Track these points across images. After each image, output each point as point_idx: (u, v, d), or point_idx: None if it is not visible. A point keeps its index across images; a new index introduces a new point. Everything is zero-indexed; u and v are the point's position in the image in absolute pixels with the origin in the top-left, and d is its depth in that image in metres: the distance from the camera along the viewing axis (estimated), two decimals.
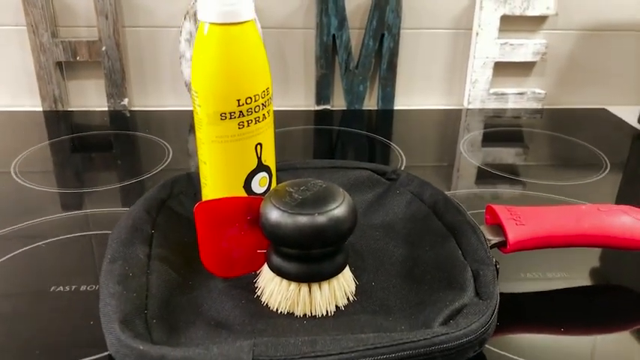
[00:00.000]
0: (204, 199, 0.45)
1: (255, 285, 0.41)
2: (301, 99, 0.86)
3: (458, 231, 0.44)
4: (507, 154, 0.72)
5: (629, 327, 0.42)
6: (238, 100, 0.39)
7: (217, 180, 0.42)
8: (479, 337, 0.35)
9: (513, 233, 0.43)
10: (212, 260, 0.42)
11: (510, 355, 0.38)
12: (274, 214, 0.37)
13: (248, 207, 0.41)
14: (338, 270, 0.40)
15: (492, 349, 0.39)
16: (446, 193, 0.49)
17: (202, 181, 0.44)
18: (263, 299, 0.40)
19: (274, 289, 0.40)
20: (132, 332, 0.34)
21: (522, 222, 0.44)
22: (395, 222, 0.50)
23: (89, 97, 0.82)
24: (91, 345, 0.38)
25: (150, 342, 0.34)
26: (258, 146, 0.41)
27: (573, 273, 0.47)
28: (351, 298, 0.41)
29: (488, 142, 0.76)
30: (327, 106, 0.85)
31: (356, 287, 0.42)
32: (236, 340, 0.35)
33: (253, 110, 0.40)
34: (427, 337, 0.33)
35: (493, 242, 0.43)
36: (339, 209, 0.38)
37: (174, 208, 0.47)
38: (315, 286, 0.39)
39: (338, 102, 0.86)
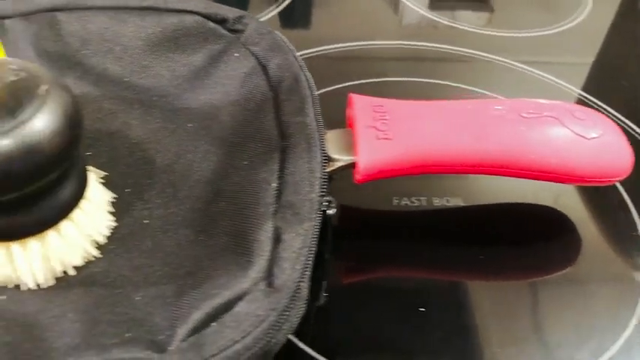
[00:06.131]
0: None
1: None
2: None
3: (290, 142, 0.28)
4: None
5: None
6: None
7: None
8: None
9: (367, 155, 0.27)
10: None
11: None
12: None
13: None
14: (59, 216, 0.24)
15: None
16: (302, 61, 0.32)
17: None
18: None
19: None
20: None
21: (388, 134, 0.27)
22: (221, 106, 0.32)
23: None
24: None
25: None
26: None
27: (472, 198, 0.32)
28: (101, 241, 0.26)
29: None
30: None
31: (120, 226, 0.27)
32: None
33: None
34: None
35: (339, 164, 0.27)
36: (37, 121, 0.21)
37: None
38: (17, 246, 0.24)
39: None
